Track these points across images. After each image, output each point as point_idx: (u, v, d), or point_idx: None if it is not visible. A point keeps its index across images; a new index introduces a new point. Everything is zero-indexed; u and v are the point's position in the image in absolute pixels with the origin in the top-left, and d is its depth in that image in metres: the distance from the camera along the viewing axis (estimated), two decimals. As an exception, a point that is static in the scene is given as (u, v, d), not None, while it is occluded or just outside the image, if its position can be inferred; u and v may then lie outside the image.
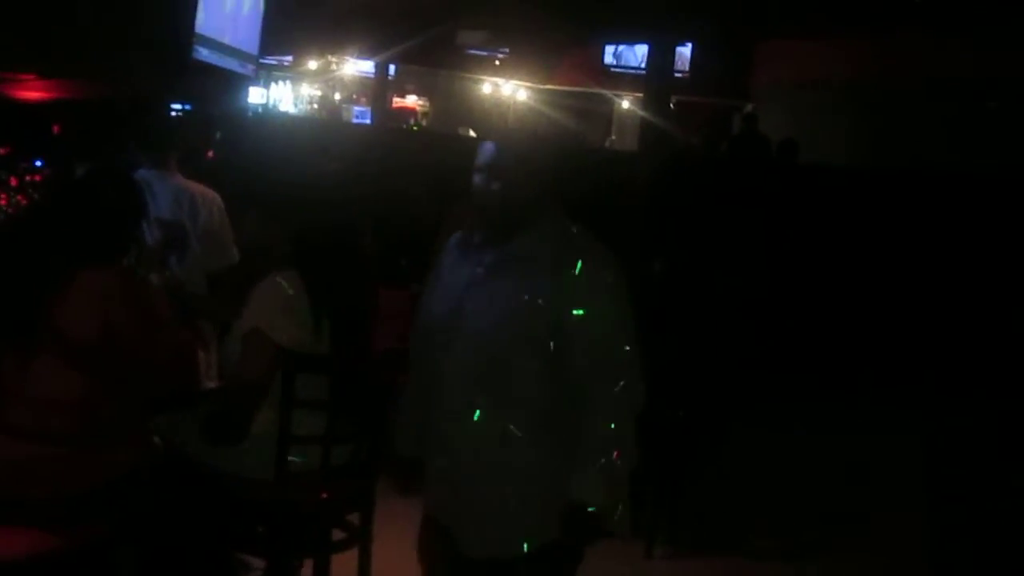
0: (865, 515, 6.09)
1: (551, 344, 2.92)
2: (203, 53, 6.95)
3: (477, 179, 3.01)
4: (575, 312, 2.93)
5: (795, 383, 7.92)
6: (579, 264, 2.96)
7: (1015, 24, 12.29)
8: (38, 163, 6.60)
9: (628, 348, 2.98)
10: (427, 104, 25.01)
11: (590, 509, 2.87)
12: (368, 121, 21.10)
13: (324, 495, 3.59)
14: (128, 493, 3.26)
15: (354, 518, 3.87)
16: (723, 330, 6.79)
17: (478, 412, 2.94)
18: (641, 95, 15.27)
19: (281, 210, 3.82)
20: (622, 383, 2.94)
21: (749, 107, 17.54)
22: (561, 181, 3.10)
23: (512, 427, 2.93)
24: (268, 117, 15.98)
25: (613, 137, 21.26)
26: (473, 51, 21.54)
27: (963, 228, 8.98)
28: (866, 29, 14.62)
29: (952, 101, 14.22)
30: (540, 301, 2.93)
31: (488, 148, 3.02)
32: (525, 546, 2.96)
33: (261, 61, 16.63)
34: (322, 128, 15.26)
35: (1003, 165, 11.86)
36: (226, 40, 7.63)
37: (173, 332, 3.40)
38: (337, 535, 3.84)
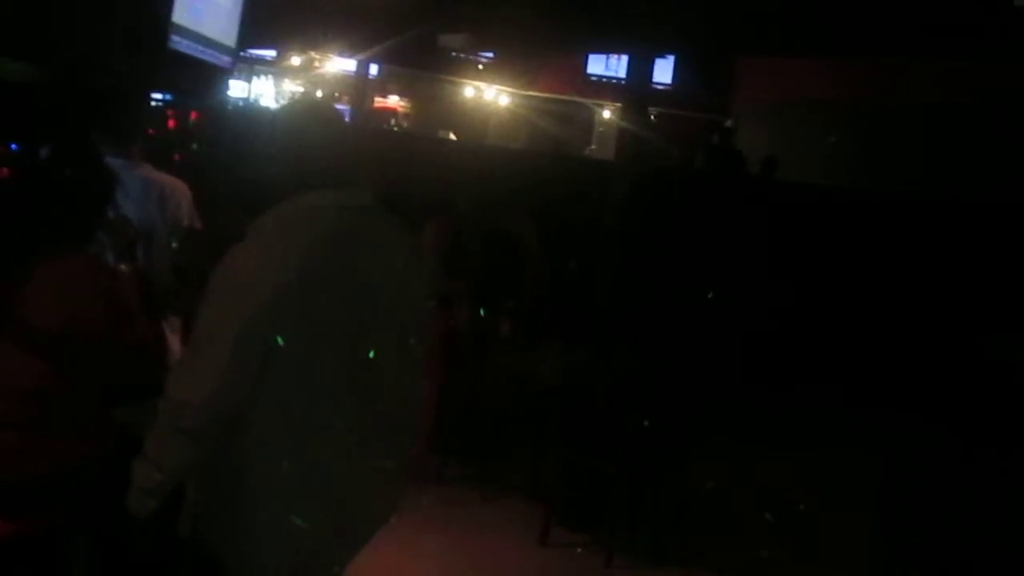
0: (824, 531, 6.12)
1: None
2: (179, 42, 6.87)
3: None
4: None
5: (762, 397, 7.94)
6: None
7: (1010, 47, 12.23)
8: (13, 147, 6.51)
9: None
10: (409, 105, 24.98)
11: None
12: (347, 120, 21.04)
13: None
14: (84, 482, 3.22)
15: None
16: (693, 342, 6.81)
17: None
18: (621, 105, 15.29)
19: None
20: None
21: (728, 122, 17.58)
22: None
23: None
24: (249, 111, 15.91)
25: (593, 146, 21.28)
26: (456, 54, 21.53)
27: (940, 252, 8.97)
28: (851, 50, 14.64)
29: (932, 125, 14.20)
30: None
31: None
32: None
33: (243, 55, 16.55)
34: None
35: (983, 192, 11.83)
36: (203, 30, 7.55)
37: (138, 324, 3.36)
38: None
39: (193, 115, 8.53)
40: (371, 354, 2.83)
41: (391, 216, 3.03)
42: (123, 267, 3.83)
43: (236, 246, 2.78)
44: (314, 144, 2.90)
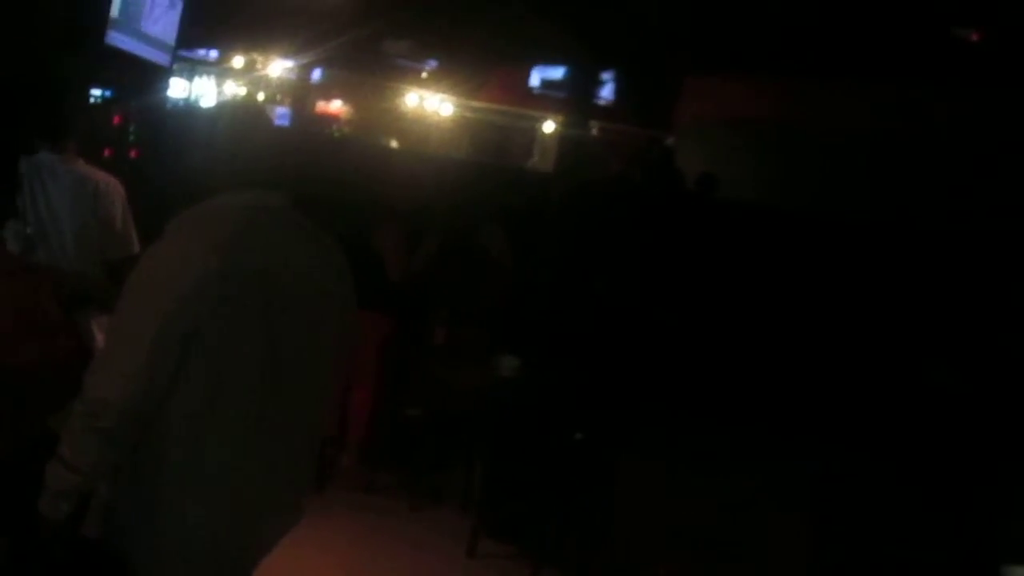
0: (753, 550, 6.15)
1: None
2: (117, 38, 6.75)
3: None
4: None
5: (695, 414, 7.96)
6: None
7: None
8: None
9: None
10: (352, 111, 24.85)
11: None
12: (286, 123, 20.88)
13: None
14: (3, 482, 3.16)
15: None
16: (624, 355, 6.82)
17: None
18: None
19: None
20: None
21: (669, 140, 17.65)
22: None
23: None
24: (188, 112, 15.75)
25: (535, 158, 21.30)
26: (400, 61, 21.47)
27: (875, 277, 9.02)
28: (799, 72, 14.73)
29: (874, 153, 14.28)
30: None
31: None
32: None
33: (185, 55, 16.38)
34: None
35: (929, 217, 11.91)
36: (142, 27, 7.45)
37: (59, 336, 3.26)
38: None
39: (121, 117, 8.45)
40: (284, 354, 2.81)
41: (309, 218, 3.01)
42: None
43: (153, 244, 2.77)
44: (232, 145, 2.90)
